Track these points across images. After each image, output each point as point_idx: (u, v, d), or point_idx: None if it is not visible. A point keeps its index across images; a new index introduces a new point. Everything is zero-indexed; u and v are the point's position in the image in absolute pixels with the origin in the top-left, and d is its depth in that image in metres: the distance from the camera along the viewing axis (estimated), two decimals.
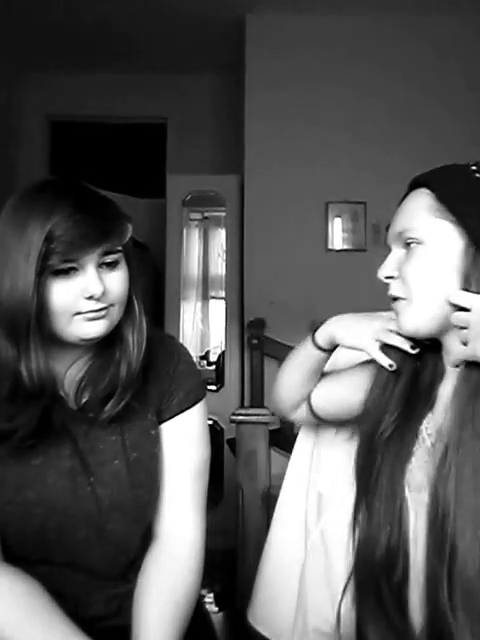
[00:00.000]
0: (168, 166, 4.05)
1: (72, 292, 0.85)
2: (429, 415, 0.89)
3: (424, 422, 0.89)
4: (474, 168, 0.84)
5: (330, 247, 3.34)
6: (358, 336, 0.95)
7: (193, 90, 4.09)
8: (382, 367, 0.92)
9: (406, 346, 0.88)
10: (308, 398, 1.08)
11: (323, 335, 1.00)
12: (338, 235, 3.34)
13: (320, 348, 1.01)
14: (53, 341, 0.88)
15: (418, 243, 0.83)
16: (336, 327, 0.99)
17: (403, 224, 0.85)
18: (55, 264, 0.82)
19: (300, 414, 1.10)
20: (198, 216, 3.87)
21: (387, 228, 0.90)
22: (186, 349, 1.07)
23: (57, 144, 4.27)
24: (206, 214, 3.87)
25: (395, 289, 0.86)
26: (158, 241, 3.59)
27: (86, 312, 0.86)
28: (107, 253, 0.87)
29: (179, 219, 3.55)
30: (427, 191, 0.84)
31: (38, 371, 0.85)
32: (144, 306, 0.95)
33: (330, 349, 1.02)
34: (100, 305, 0.86)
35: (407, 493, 0.86)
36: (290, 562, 1.18)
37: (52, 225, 0.82)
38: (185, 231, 3.65)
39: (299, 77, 3.40)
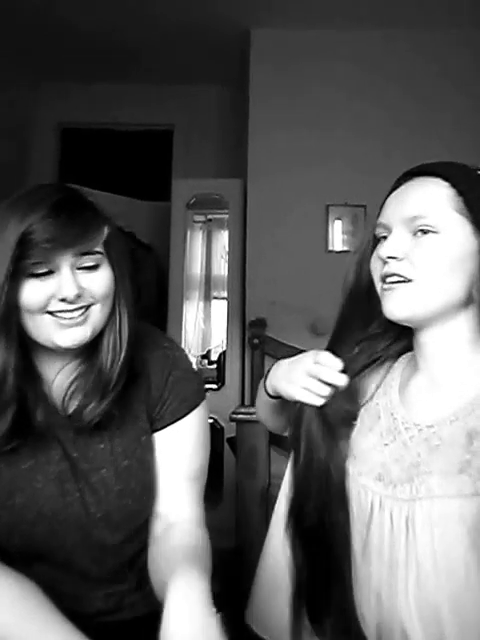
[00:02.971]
0: (174, 171, 4.11)
1: (43, 293, 0.84)
2: (399, 405, 0.88)
3: (397, 415, 0.88)
4: None
5: (330, 248, 3.38)
6: (290, 381, 0.89)
7: (199, 99, 4.17)
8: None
9: (337, 381, 0.82)
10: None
11: (270, 386, 0.98)
12: (338, 237, 3.38)
13: (272, 397, 0.99)
14: (43, 346, 0.88)
15: (434, 232, 0.80)
16: (275, 378, 0.95)
17: (418, 210, 0.81)
18: (28, 267, 0.82)
19: None
20: (202, 218, 3.89)
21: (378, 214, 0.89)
22: (184, 353, 1.05)
23: (68, 150, 4.34)
24: (210, 216, 3.90)
25: (398, 268, 0.82)
26: (162, 242, 3.63)
27: (59, 313, 0.85)
28: (85, 255, 0.86)
29: (183, 221, 3.59)
30: (445, 183, 0.82)
31: (16, 370, 0.84)
32: (147, 306, 0.95)
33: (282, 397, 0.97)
34: (74, 306, 0.85)
35: (380, 487, 0.84)
36: (288, 562, 1.13)
37: (26, 227, 0.81)
38: (189, 233, 3.69)
39: (302, 88, 3.44)
